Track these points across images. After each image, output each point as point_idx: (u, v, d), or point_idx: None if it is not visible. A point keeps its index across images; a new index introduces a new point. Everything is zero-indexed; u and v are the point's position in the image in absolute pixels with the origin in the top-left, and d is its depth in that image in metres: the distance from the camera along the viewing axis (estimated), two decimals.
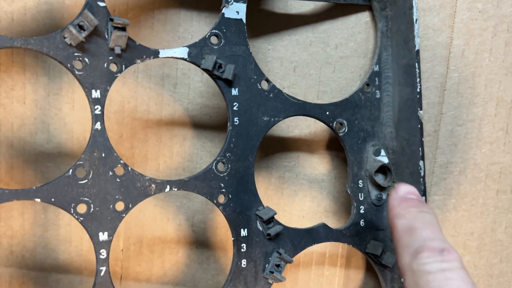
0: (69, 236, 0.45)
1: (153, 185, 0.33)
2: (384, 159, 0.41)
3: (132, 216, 0.45)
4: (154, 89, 0.43)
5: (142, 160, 0.45)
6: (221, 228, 0.46)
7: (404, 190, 0.32)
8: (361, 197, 0.41)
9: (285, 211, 0.46)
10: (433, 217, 0.30)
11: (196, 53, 0.35)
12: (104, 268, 0.32)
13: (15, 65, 0.43)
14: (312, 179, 0.46)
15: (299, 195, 0.46)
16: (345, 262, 0.46)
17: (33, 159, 0.44)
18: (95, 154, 0.32)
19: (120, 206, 0.33)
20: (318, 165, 0.46)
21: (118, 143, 0.44)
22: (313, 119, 0.42)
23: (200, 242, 0.46)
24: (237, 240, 0.36)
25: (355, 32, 0.43)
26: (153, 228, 0.46)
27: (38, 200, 0.30)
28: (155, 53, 0.34)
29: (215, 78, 0.35)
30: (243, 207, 0.36)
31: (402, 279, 0.28)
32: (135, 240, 0.46)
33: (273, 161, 0.45)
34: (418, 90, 0.39)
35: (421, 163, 0.39)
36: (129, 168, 0.33)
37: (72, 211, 0.31)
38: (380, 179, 0.41)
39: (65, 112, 0.44)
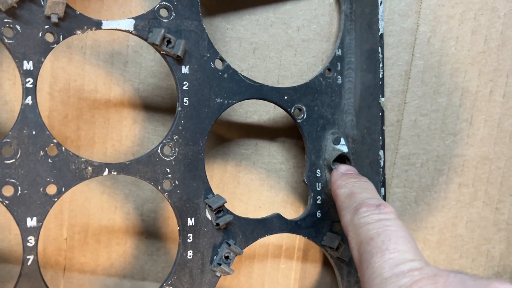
0: (8, 224, 0.42)
1: (89, 168, 0.30)
2: (343, 148, 0.39)
3: (77, 204, 0.42)
4: (102, 67, 0.41)
5: (89, 143, 0.42)
6: (172, 217, 0.43)
7: (344, 168, 0.37)
8: (318, 187, 0.39)
9: (241, 200, 0.44)
10: (370, 184, 0.34)
11: (143, 26, 0.32)
12: (31, 257, 0.29)
13: None
14: (270, 168, 0.44)
15: (256, 184, 0.44)
16: (302, 255, 0.44)
17: None
18: (25, 131, 0.29)
19: (51, 189, 0.30)
20: (277, 153, 0.43)
21: (62, 124, 0.41)
22: (273, 105, 0.40)
23: (150, 233, 0.44)
24: (183, 229, 0.34)
25: (318, 14, 0.41)
26: (100, 217, 0.43)
27: None
28: (97, 24, 0.31)
29: (164, 54, 0.33)
30: (190, 194, 0.34)
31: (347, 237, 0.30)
32: (80, 229, 0.43)
33: (230, 148, 0.43)
34: (380, 76, 0.37)
35: (381, 152, 0.37)
36: (63, 148, 0.30)
37: None
38: None
39: (6, 89, 0.40)
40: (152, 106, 0.42)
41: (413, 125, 0.42)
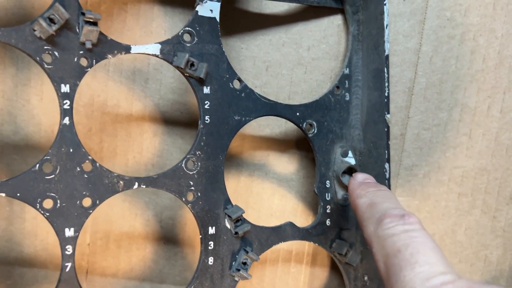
0: (35, 230, 0.45)
1: (121, 182, 0.33)
2: (351, 160, 0.42)
3: (99, 211, 0.45)
4: (125, 83, 0.43)
5: (111, 155, 0.44)
6: (189, 224, 0.46)
7: (361, 177, 0.37)
8: (328, 197, 0.41)
9: (253, 209, 0.46)
10: (390, 192, 0.33)
11: (168, 50, 0.35)
12: (69, 264, 0.32)
13: None
14: (281, 178, 0.46)
15: (268, 194, 0.46)
16: (311, 260, 0.47)
17: None
18: (63, 149, 0.31)
19: (87, 202, 0.32)
20: (288, 165, 0.46)
21: (86, 137, 0.44)
22: (284, 120, 0.43)
23: (168, 238, 0.46)
24: (205, 238, 0.36)
25: (327, 35, 0.44)
26: (121, 223, 0.45)
27: (3, 194, 0.30)
28: (127, 49, 0.34)
29: (187, 76, 0.35)
30: (211, 205, 0.36)
31: (371, 248, 0.30)
32: (102, 235, 0.45)
33: (243, 160, 0.46)
34: (386, 94, 0.40)
35: (386, 165, 0.40)
36: (97, 164, 0.32)
37: (38, 206, 0.31)
38: (346, 180, 0.41)
39: (33, 104, 0.43)
40: (171, 121, 0.44)
41: (416, 139, 0.45)
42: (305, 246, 0.47)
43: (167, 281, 0.47)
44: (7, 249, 0.45)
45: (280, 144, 0.46)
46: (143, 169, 0.45)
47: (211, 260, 0.36)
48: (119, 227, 0.45)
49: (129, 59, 0.43)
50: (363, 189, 0.34)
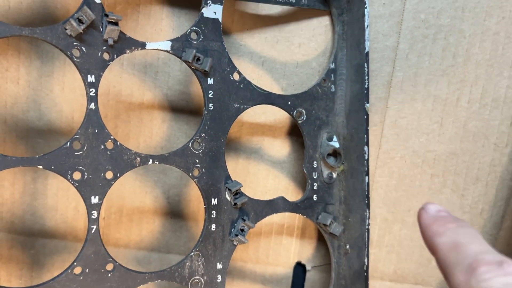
0: (56, 205, 0.50)
1: (138, 158, 0.39)
2: (335, 144, 0.47)
3: (114, 188, 0.50)
4: (137, 75, 0.49)
5: (125, 138, 0.50)
6: (193, 201, 0.52)
7: (434, 209, 0.30)
8: (315, 175, 0.47)
9: (250, 187, 0.52)
10: (474, 229, 0.28)
11: (178, 47, 0.40)
12: (94, 227, 0.38)
13: (10, 48, 0.47)
14: (275, 161, 0.52)
15: (263, 174, 0.52)
16: (300, 233, 0.53)
17: (24, 135, 0.48)
18: (89, 130, 0.37)
19: (109, 175, 0.38)
20: (280, 149, 0.52)
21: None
22: (278, 108, 0.48)
23: (174, 213, 0.52)
24: (208, 208, 0.42)
25: (316, 34, 0.50)
26: (133, 200, 0.51)
27: (40, 166, 0.35)
28: (142, 45, 0.40)
29: (194, 69, 0.41)
30: (214, 180, 0.42)
31: None
32: (116, 210, 0.51)
33: (241, 144, 0.51)
34: (366, 86, 0.45)
35: (366, 148, 0.45)
36: (118, 143, 0.38)
37: (68, 178, 0.36)
38: (331, 161, 0.47)
39: (56, 93, 0.48)
40: (178, 109, 0.50)
41: (393, 126, 0.51)
42: (295, 221, 0.53)
43: (173, 251, 0.53)
44: (31, 222, 0.50)
45: (274, 130, 0.51)
46: (153, 152, 0.50)
47: (213, 227, 0.42)
48: (131, 202, 0.51)
49: (141, 54, 0.49)
50: (440, 225, 0.28)
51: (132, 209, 0.51)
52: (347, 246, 0.48)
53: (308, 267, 0.54)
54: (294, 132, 0.51)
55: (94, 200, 0.37)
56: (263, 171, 0.52)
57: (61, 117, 0.49)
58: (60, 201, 0.50)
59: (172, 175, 0.51)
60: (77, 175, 0.37)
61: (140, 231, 0.52)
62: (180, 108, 0.50)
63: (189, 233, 0.52)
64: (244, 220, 0.43)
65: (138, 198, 0.51)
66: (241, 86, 0.43)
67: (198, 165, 0.42)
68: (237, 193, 0.43)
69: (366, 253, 0.45)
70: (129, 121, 0.49)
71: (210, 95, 0.42)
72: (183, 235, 0.52)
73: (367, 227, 0.45)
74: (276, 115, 0.51)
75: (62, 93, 0.48)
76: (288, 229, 0.53)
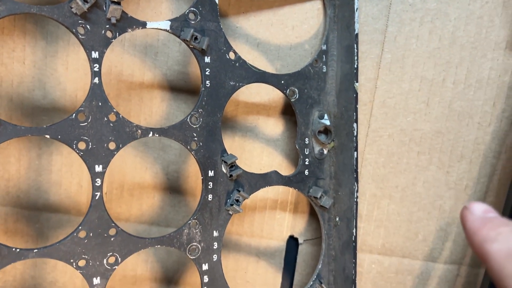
0: (60, 180, 0.53)
1: (139, 131, 0.41)
2: (326, 122, 0.50)
3: (115, 164, 0.53)
4: (138, 56, 0.51)
5: (126, 116, 0.51)
6: (191, 177, 0.54)
7: (480, 209, 0.27)
8: (306, 151, 0.50)
9: (245, 164, 0.54)
10: None
11: (177, 26, 0.43)
12: (98, 194, 0.40)
13: (17, 29, 0.49)
14: (269, 139, 0.54)
15: (258, 151, 0.54)
16: (293, 208, 0.56)
17: (29, 113, 0.51)
18: (93, 102, 0.40)
19: (112, 145, 0.40)
20: (274, 127, 0.54)
21: None
22: (271, 88, 0.51)
23: (173, 188, 0.54)
24: (206, 179, 0.45)
25: (309, 17, 0.52)
26: (133, 175, 0.53)
27: (47, 136, 0.38)
28: (143, 24, 0.42)
29: (192, 47, 0.44)
30: (211, 153, 0.45)
31: None
32: (117, 185, 0.53)
33: (237, 122, 0.54)
34: (355, 66, 0.48)
35: (355, 125, 0.48)
36: (120, 115, 0.41)
37: (74, 147, 0.39)
38: (322, 138, 0.50)
39: (60, 72, 0.50)
40: (176, 88, 0.52)
41: (382, 105, 0.53)
42: (288, 196, 0.56)
43: (172, 225, 0.55)
44: (35, 197, 0.53)
45: (268, 109, 0.54)
46: None
47: (210, 197, 0.45)
48: (132, 178, 0.54)
49: (141, 36, 0.51)
50: (491, 229, 0.25)
51: (133, 184, 0.53)
52: (337, 219, 0.50)
53: (300, 241, 0.56)
54: (287, 111, 0.54)
55: (98, 168, 0.40)
56: (258, 148, 0.54)
57: (64, 95, 0.51)
58: (64, 176, 0.52)
59: (171, 152, 0.53)
60: (82, 145, 0.39)
61: (141, 205, 0.54)
62: (178, 88, 0.52)
63: (187, 208, 0.55)
64: (239, 191, 0.45)
65: (138, 174, 0.53)
66: (237, 64, 0.46)
67: (195, 138, 0.44)
68: (233, 166, 0.45)
69: (354, 224, 0.48)
70: (130, 99, 0.52)
71: (207, 73, 0.44)
72: (182, 210, 0.55)
73: (355, 199, 0.48)
74: (270, 95, 0.53)
75: (66, 73, 0.50)
76: (281, 204, 0.56)
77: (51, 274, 0.55)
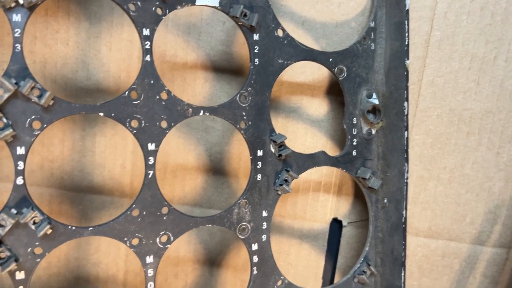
0: (104, 162, 0.53)
1: (190, 109, 0.41)
2: (375, 101, 0.49)
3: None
4: (181, 36, 0.50)
5: None
6: (234, 158, 0.54)
7: None
8: (354, 131, 0.49)
9: (289, 145, 0.53)
10: None
11: (226, 3, 0.42)
12: (151, 172, 0.40)
13: (60, 10, 0.49)
14: (313, 119, 0.54)
15: (301, 133, 0.54)
16: (337, 190, 0.55)
17: (73, 94, 0.51)
18: (145, 80, 0.39)
19: (164, 124, 0.40)
20: (319, 107, 0.53)
21: None
22: (316, 66, 0.50)
23: (216, 170, 0.54)
24: (254, 159, 0.44)
25: None
26: (176, 157, 0.53)
27: (101, 114, 0.38)
28: (192, 1, 0.41)
29: (240, 25, 0.43)
30: (259, 132, 0.44)
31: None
32: (161, 167, 0.53)
33: (281, 103, 0.53)
34: (406, 43, 0.47)
35: (405, 104, 0.47)
36: (172, 94, 0.40)
37: (127, 125, 0.39)
38: (371, 117, 0.49)
39: (103, 53, 0.50)
40: (220, 69, 0.52)
41: (430, 84, 0.52)
42: (332, 178, 0.55)
43: (214, 207, 0.55)
44: (79, 179, 0.53)
45: (312, 89, 0.53)
46: None
47: (259, 176, 0.44)
48: (175, 159, 0.53)
49: (185, 15, 0.50)
50: None
51: (176, 166, 0.53)
52: (385, 200, 0.49)
53: (344, 223, 0.55)
54: (333, 91, 0.53)
55: (151, 147, 0.40)
56: (302, 129, 0.53)
57: (108, 76, 0.51)
58: (107, 158, 0.52)
59: (214, 134, 0.53)
60: (134, 123, 0.39)
61: (183, 187, 0.54)
62: (222, 68, 0.51)
63: (230, 189, 0.54)
64: (288, 171, 0.45)
65: (181, 156, 0.53)
66: (285, 42, 0.45)
67: (244, 117, 0.43)
68: (282, 145, 0.44)
69: (404, 206, 0.47)
70: (173, 80, 0.51)
71: (255, 51, 0.43)
72: (225, 191, 0.54)
73: (405, 180, 0.47)
74: (315, 74, 0.52)
75: (109, 54, 0.50)
76: (325, 186, 0.55)
77: (94, 255, 0.55)
